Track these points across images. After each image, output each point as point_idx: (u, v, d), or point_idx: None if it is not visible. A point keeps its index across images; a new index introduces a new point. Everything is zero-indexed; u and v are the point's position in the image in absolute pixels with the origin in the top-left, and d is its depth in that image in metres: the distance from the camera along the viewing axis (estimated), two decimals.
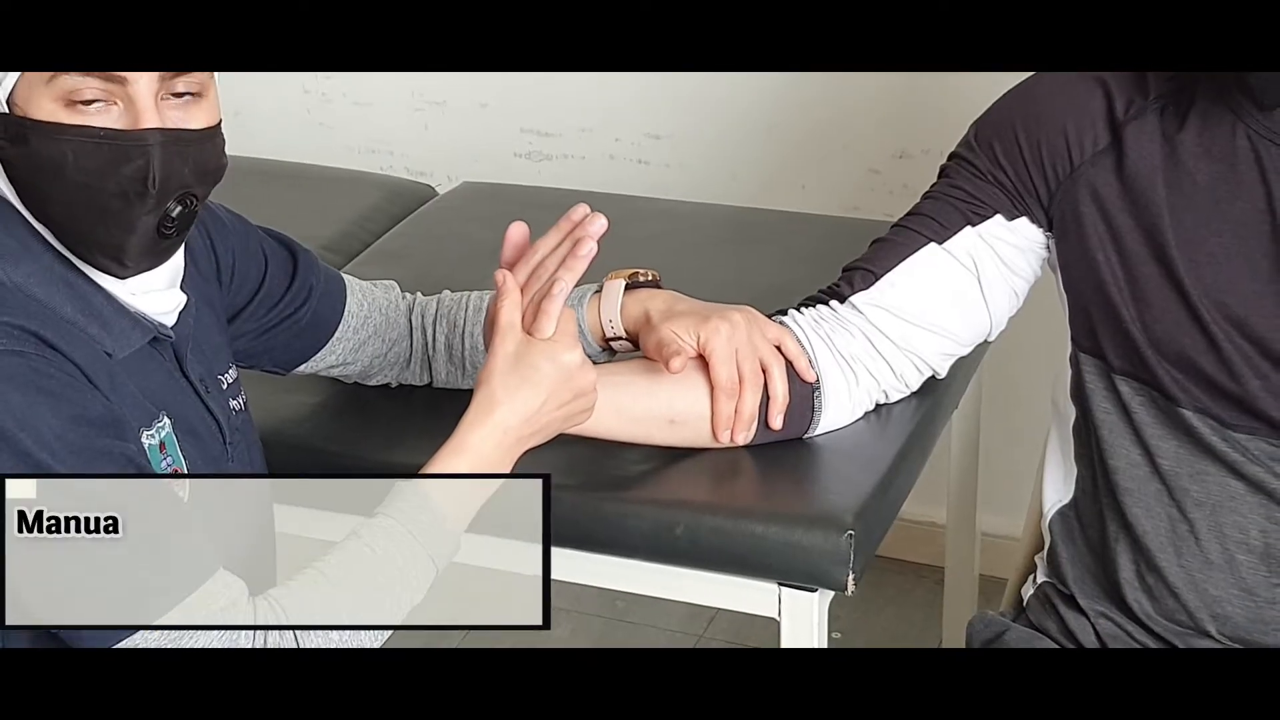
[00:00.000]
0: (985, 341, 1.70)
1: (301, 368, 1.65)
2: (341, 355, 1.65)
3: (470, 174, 2.50)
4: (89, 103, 1.27)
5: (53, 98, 1.27)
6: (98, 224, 1.30)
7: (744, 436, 1.59)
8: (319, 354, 1.64)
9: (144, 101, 1.27)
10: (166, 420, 1.36)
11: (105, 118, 1.27)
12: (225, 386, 1.46)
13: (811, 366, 1.61)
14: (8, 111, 1.28)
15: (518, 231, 1.50)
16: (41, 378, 1.26)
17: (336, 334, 1.63)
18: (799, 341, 1.61)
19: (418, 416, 1.69)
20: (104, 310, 1.33)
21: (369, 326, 1.65)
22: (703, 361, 1.57)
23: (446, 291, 1.70)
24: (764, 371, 1.58)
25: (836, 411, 1.63)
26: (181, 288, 1.40)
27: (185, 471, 1.36)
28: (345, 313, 1.63)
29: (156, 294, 1.37)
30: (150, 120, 1.28)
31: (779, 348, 1.60)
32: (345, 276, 1.66)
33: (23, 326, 1.27)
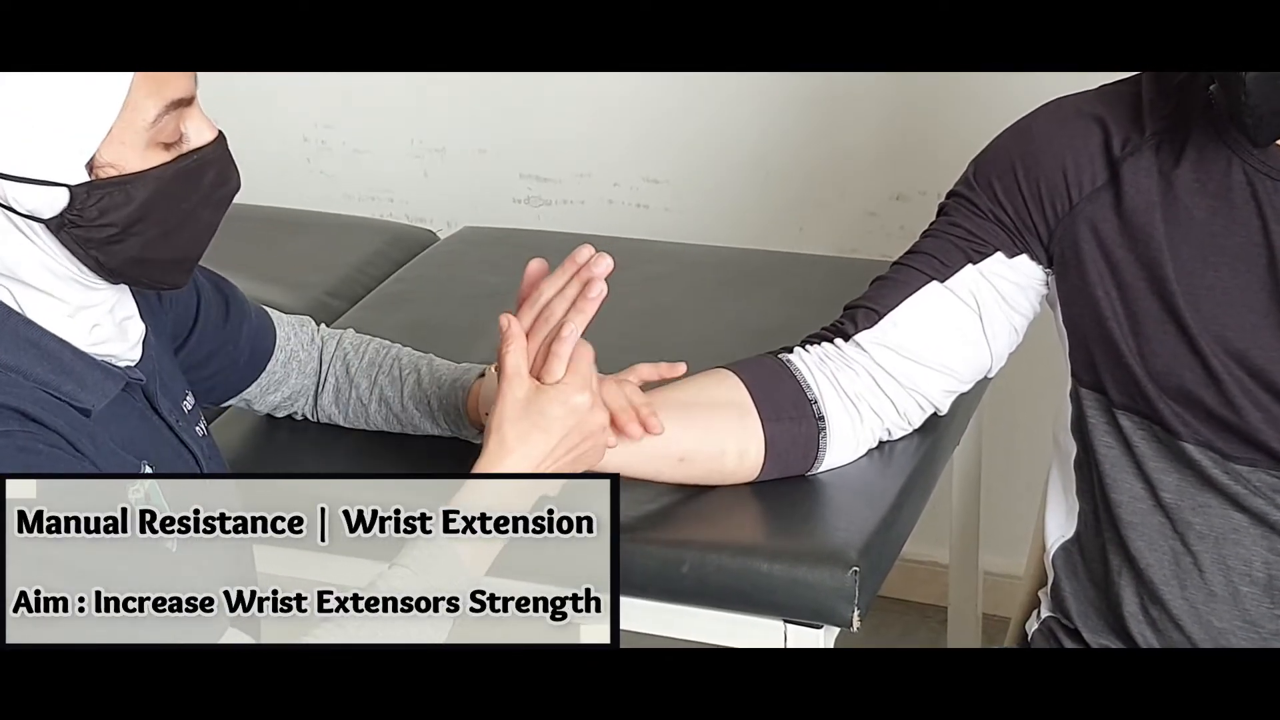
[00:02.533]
0: (986, 378, 1.71)
1: (231, 401, 1.67)
2: (265, 387, 1.67)
3: (470, 220, 2.52)
4: (174, 141, 1.32)
5: (148, 145, 1.30)
6: (192, 242, 1.36)
7: (657, 424, 1.53)
8: (249, 387, 1.66)
9: (203, 114, 1.33)
10: (148, 470, 1.36)
11: (186, 145, 1.33)
12: (187, 412, 1.47)
13: (653, 419, 1.54)
14: (90, 179, 1.29)
15: (537, 268, 1.50)
16: (30, 455, 1.26)
17: (267, 367, 1.66)
18: (799, 373, 1.61)
19: (376, 440, 1.71)
20: (74, 365, 1.34)
21: (294, 360, 1.68)
22: (710, 404, 1.58)
23: (350, 330, 1.72)
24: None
25: (840, 449, 1.64)
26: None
27: (174, 519, 1.34)
28: (275, 347, 1.66)
29: (131, 320, 1.39)
30: (214, 127, 1.34)
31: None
32: (271, 311, 1.68)
33: (3, 404, 1.27)
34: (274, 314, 1.68)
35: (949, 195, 1.65)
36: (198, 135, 1.33)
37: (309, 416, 1.73)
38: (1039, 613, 1.73)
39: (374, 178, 2.90)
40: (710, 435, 1.59)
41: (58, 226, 1.30)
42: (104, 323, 1.37)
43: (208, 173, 1.34)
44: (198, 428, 1.48)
